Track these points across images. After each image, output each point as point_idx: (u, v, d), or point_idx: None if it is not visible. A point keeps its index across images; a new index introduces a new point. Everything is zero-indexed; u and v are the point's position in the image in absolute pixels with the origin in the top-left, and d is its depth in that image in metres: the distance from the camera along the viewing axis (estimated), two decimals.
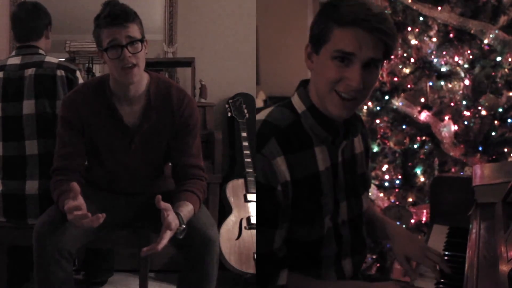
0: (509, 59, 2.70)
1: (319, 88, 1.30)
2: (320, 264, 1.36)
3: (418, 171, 2.98)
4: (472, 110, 2.80)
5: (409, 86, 3.04)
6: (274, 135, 1.27)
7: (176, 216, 1.65)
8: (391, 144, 3.06)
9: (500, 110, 2.74)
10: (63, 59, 2.31)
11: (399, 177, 3.08)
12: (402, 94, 3.03)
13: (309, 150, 1.32)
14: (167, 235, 1.61)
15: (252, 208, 2.76)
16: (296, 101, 1.36)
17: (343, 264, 1.42)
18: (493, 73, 2.76)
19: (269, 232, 1.26)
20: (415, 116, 2.96)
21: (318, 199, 1.32)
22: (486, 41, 2.75)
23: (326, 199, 1.34)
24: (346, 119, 1.35)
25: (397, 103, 3.03)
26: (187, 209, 1.73)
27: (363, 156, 1.50)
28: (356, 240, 1.45)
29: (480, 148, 2.76)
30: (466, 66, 2.84)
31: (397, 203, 2.98)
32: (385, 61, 1.30)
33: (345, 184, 1.40)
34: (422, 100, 2.98)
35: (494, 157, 2.74)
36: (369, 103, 3.23)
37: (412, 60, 3.04)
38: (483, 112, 2.76)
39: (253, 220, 2.69)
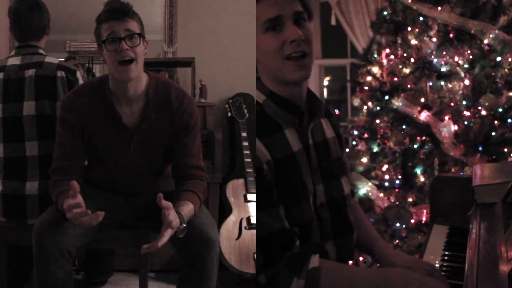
0: (509, 59, 2.70)
1: (271, 66, 1.35)
2: None
3: (418, 171, 2.98)
4: (472, 110, 2.80)
5: (409, 86, 3.05)
6: None
7: (177, 215, 1.65)
8: (391, 144, 3.06)
9: (500, 110, 2.74)
10: (63, 59, 2.28)
11: (399, 177, 3.08)
12: (402, 94, 3.03)
13: (280, 133, 1.36)
14: (168, 233, 1.61)
15: (252, 208, 2.76)
16: (257, 94, 1.42)
17: (327, 247, 1.42)
18: (493, 73, 2.76)
19: (275, 211, 1.27)
20: (415, 116, 2.96)
21: (301, 178, 1.35)
22: (486, 41, 2.75)
23: (306, 177, 1.36)
24: (308, 101, 1.41)
25: (397, 103, 3.04)
26: (188, 209, 1.73)
27: (335, 141, 1.53)
28: (339, 223, 1.45)
29: (480, 148, 2.76)
30: (466, 66, 2.84)
31: (397, 203, 2.98)
32: (310, 19, 1.36)
33: (320, 167, 1.42)
34: (422, 100, 2.98)
35: (494, 157, 2.74)
36: (369, 103, 3.24)
37: (412, 60, 3.04)
38: (483, 112, 2.76)
39: (253, 220, 2.69)
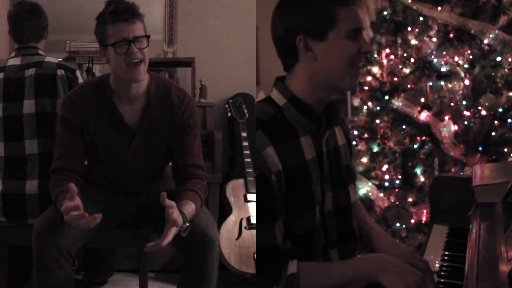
0: (509, 59, 2.70)
1: (335, 72, 1.33)
2: (312, 256, 1.37)
3: (418, 171, 2.98)
4: (472, 110, 2.80)
5: (409, 86, 3.05)
6: (260, 127, 1.32)
7: (180, 214, 1.65)
8: (391, 144, 3.06)
9: (500, 110, 2.74)
10: (61, 59, 2.29)
11: (399, 177, 3.08)
12: (402, 94, 3.03)
13: (295, 140, 1.34)
14: (172, 232, 1.61)
15: (252, 208, 2.76)
16: (276, 95, 1.39)
17: (330, 255, 1.42)
18: (493, 73, 2.76)
19: (270, 226, 1.27)
20: (415, 116, 2.96)
21: (309, 188, 1.34)
22: (486, 41, 2.75)
23: (316, 188, 1.36)
24: (326, 109, 1.41)
25: (397, 103, 3.04)
26: (190, 208, 1.73)
27: (346, 148, 1.53)
28: (344, 231, 1.46)
29: (480, 148, 2.76)
30: (466, 66, 2.84)
31: (397, 203, 2.98)
32: None
33: (330, 175, 1.42)
34: (422, 100, 2.98)
35: (494, 157, 2.74)
36: (369, 103, 3.24)
37: (412, 60, 3.04)
38: (483, 112, 2.76)
39: (253, 220, 2.69)
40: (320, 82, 1.35)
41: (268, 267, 1.27)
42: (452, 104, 2.87)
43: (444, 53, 2.87)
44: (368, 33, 4.02)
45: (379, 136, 3.17)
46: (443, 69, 2.90)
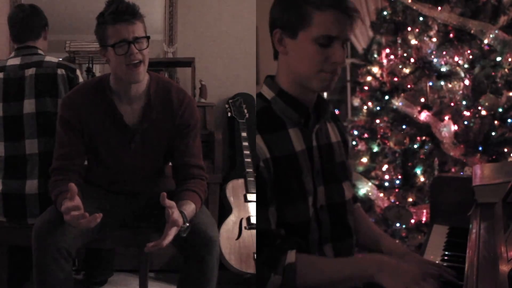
0: (509, 59, 2.70)
1: (302, 72, 1.35)
2: (308, 249, 1.38)
3: (418, 171, 2.98)
4: (472, 110, 2.80)
5: (409, 86, 3.05)
6: None
7: (180, 214, 1.65)
8: (391, 144, 3.06)
9: (500, 110, 2.74)
10: (61, 59, 2.30)
11: (399, 177, 3.08)
12: (402, 94, 3.03)
13: (284, 131, 1.37)
14: (173, 232, 1.61)
15: (252, 208, 2.76)
16: (265, 90, 1.42)
17: (325, 250, 1.43)
18: (493, 73, 2.76)
19: (263, 211, 1.29)
20: (415, 116, 2.96)
21: (299, 178, 1.36)
22: (486, 41, 2.75)
23: (306, 178, 1.37)
24: (316, 103, 1.43)
25: (397, 103, 3.04)
26: (190, 208, 1.73)
27: (340, 146, 1.53)
28: (338, 226, 1.46)
29: (480, 148, 2.76)
30: (466, 66, 2.84)
31: (397, 203, 2.98)
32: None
33: (323, 170, 1.43)
34: (422, 100, 2.98)
35: (494, 157, 2.75)
36: (369, 103, 3.24)
37: (412, 60, 3.04)
38: (483, 112, 2.76)
39: (253, 220, 2.69)
40: (295, 76, 1.37)
41: (265, 252, 1.28)
42: (452, 104, 2.87)
43: (444, 53, 2.87)
44: (368, 33, 4.03)
45: (379, 136, 3.17)
46: (443, 69, 2.90)
